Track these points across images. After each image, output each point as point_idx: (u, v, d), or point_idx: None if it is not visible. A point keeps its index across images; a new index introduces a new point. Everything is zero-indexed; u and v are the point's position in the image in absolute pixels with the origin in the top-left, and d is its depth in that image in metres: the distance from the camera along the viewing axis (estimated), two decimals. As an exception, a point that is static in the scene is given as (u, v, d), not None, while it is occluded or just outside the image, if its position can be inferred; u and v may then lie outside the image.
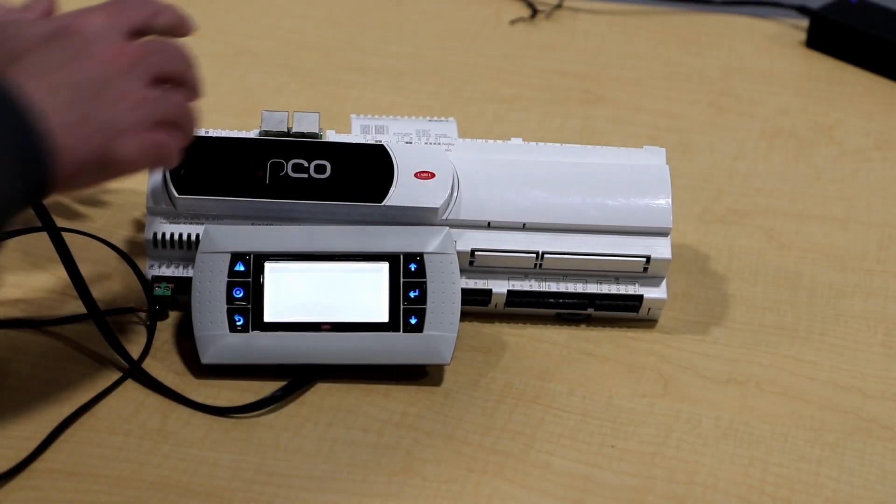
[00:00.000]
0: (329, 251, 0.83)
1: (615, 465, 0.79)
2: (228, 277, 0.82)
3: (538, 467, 0.78)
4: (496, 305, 0.88)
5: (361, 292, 0.82)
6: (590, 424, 0.82)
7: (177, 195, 0.83)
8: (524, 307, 0.88)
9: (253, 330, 0.81)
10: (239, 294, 0.82)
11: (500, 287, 0.87)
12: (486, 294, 0.87)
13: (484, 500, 0.76)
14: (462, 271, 0.86)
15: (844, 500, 0.78)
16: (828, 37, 1.26)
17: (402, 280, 0.82)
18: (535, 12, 1.30)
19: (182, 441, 0.78)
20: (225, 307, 0.81)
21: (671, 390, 0.85)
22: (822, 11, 1.27)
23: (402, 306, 0.82)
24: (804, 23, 1.29)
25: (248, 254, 0.82)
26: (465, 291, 0.86)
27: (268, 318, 0.81)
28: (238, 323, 0.81)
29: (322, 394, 0.82)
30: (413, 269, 0.82)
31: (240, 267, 0.82)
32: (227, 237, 0.82)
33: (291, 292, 0.82)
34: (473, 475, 0.77)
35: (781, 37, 1.30)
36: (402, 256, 0.82)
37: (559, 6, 1.32)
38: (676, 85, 1.21)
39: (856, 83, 1.22)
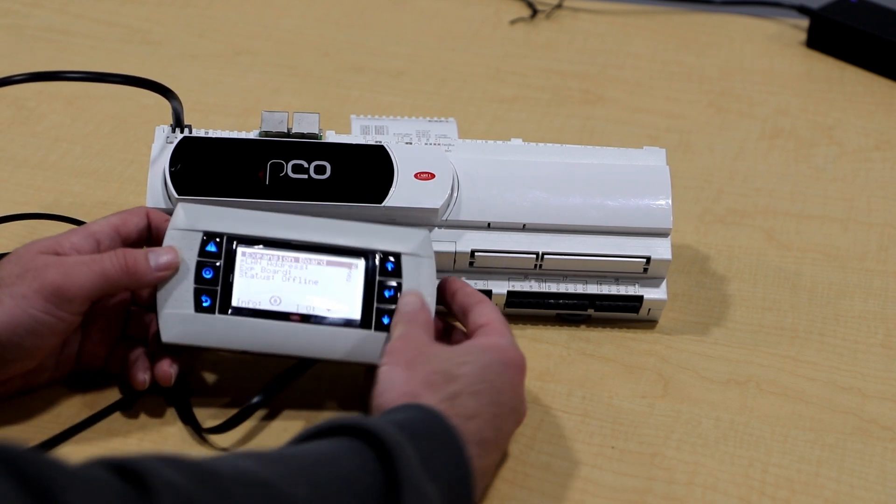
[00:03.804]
0: (305, 241, 0.80)
1: (615, 466, 0.79)
2: (199, 257, 0.79)
3: (538, 468, 0.78)
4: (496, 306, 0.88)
5: (335, 287, 0.80)
6: (590, 425, 0.82)
7: (176, 196, 0.83)
8: (524, 308, 0.88)
9: (219, 312, 0.78)
10: (208, 275, 0.79)
11: (500, 288, 0.87)
12: (487, 295, 0.87)
13: (484, 501, 0.76)
14: (462, 272, 0.86)
15: (844, 501, 0.78)
16: (828, 37, 1.26)
17: (377, 278, 0.81)
18: (535, 12, 1.30)
19: (182, 442, 0.78)
20: (192, 286, 0.78)
21: (671, 391, 0.85)
22: (822, 11, 1.27)
23: (375, 305, 0.80)
24: (804, 23, 1.29)
25: (222, 235, 0.80)
26: (465, 292, 0.86)
27: (236, 302, 0.79)
28: (205, 304, 0.78)
29: (322, 395, 0.82)
30: (390, 269, 0.80)
31: (211, 248, 0.79)
32: (200, 216, 0.80)
33: (263, 279, 0.79)
34: (473, 476, 0.77)
35: (781, 37, 1.30)
36: (379, 255, 0.81)
37: (559, 6, 1.32)
38: (676, 85, 1.20)
39: (856, 83, 1.22)
